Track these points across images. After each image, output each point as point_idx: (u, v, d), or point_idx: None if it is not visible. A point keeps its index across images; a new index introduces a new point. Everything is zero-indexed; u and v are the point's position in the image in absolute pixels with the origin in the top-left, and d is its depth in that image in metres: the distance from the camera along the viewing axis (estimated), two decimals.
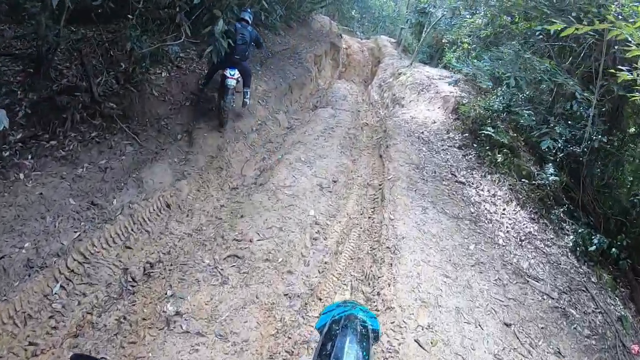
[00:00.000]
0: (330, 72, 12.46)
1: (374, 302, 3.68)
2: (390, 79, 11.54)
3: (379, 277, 3.95)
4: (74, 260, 3.61)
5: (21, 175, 4.23)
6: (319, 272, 3.95)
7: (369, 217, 5.16)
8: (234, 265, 3.77)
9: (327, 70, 12.13)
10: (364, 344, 1.46)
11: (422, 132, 7.80)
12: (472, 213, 5.58)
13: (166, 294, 3.44)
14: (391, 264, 4.10)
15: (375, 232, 4.80)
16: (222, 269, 3.71)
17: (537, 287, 4.56)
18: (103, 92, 5.49)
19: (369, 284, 3.93)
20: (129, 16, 5.34)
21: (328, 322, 1.58)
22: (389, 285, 3.83)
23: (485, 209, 5.81)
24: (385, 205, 5.14)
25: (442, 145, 7.42)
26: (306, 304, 3.54)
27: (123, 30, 5.28)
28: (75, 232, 3.83)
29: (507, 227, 5.55)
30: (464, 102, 8.55)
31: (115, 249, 3.85)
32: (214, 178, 5.35)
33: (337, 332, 1.49)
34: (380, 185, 5.84)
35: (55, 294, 3.39)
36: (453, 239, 4.79)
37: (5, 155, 4.36)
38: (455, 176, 6.43)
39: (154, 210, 4.42)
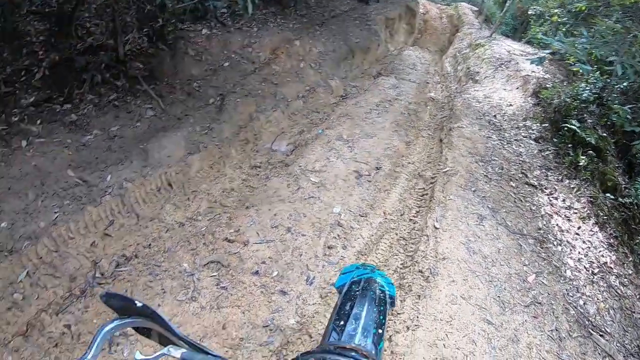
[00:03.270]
0: (403, 38, 10.70)
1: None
2: (466, 49, 9.57)
3: (398, 314, 2.83)
4: (45, 246, 3.05)
5: (24, 143, 3.76)
6: (321, 296, 2.93)
7: (410, 220, 3.91)
8: (213, 276, 2.92)
9: (400, 35, 10.42)
10: (382, 308, 1.43)
11: (495, 116, 6.11)
12: (540, 229, 4.08)
13: None
14: (419, 297, 2.93)
15: (412, 244, 3.60)
16: (197, 279, 2.89)
17: (601, 344, 3.15)
18: (130, 51, 4.85)
19: None
20: None
21: (348, 282, 1.56)
22: (408, 329, 2.70)
23: (557, 225, 4.26)
24: (433, 208, 3.86)
25: (516, 135, 5.73)
26: (288, 342, 2.57)
27: None
28: (56, 213, 3.26)
29: (579, 253, 4.02)
30: (547, 85, 6.69)
31: (92, 236, 3.22)
32: (235, 153, 4.48)
33: (357, 293, 1.46)
34: (433, 178, 4.50)
35: (20, 282, 2.88)
36: (509, 265, 3.44)
37: (13, 121, 3.93)
38: (527, 176, 4.84)
39: (151, 189, 3.72)
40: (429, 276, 3.09)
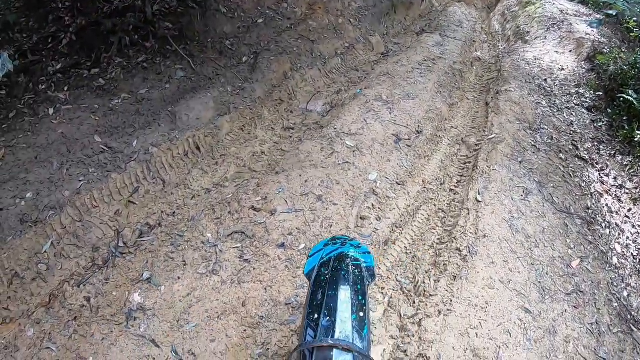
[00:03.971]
0: None
1: (408, 337, 2.21)
2: (516, 7, 8.47)
3: (431, 296, 2.42)
4: (69, 216, 2.90)
5: (51, 111, 3.62)
6: None
7: (451, 191, 3.43)
8: (237, 247, 2.63)
9: None
10: (359, 286, 1.24)
11: (545, 80, 5.29)
12: (588, 209, 3.49)
13: (142, 276, 2.51)
14: (455, 278, 2.51)
15: (451, 217, 3.13)
16: (220, 251, 2.60)
17: None
18: (159, 11, 4.52)
19: (414, 303, 2.43)
20: None
21: (316, 266, 1.34)
22: (440, 314, 2.29)
23: (606, 205, 3.64)
24: (476, 178, 3.34)
25: (568, 102, 4.94)
26: None
27: None
28: (80, 181, 3.09)
29: (627, 237, 3.42)
30: (604, 50, 5.76)
31: (116, 204, 3.03)
32: (267, 114, 4.11)
33: (328, 277, 1.26)
34: (477, 145, 3.92)
35: (45, 252, 2.75)
36: (554, 248, 2.94)
37: (40, 89, 3.79)
38: (577, 148, 4.16)
39: (178, 154, 3.46)
40: (466, 255, 2.66)
